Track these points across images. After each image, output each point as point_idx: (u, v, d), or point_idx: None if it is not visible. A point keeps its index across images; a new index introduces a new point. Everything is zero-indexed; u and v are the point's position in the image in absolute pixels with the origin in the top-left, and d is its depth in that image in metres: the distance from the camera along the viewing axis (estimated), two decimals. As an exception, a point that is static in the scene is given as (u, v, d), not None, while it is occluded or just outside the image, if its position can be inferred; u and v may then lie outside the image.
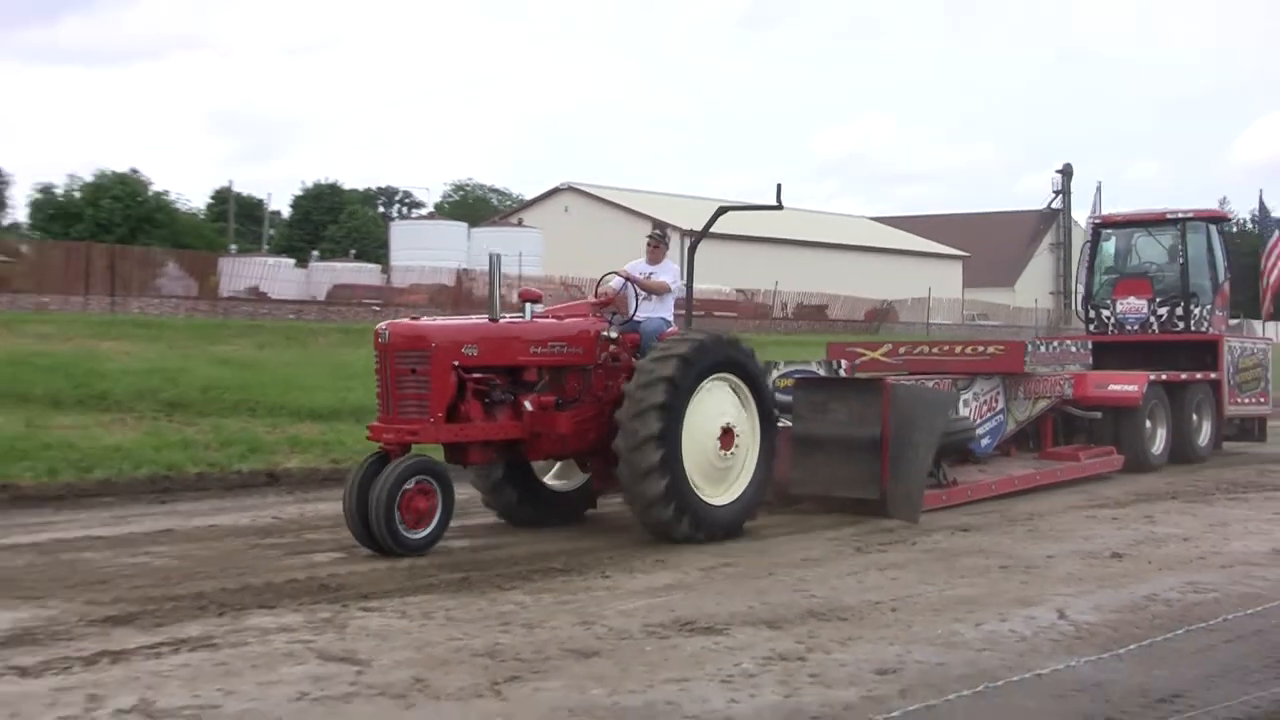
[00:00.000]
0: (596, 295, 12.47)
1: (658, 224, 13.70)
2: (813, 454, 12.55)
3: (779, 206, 14.03)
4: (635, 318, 12.21)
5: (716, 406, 11.44)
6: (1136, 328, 20.49)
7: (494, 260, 11.12)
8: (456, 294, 45.90)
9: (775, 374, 13.79)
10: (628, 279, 12.43)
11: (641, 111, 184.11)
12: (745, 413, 11.74)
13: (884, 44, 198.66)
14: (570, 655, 7.18)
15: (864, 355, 16.25)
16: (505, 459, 11.65)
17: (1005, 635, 7.86)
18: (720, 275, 59.44)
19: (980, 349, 15.81)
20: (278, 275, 49.10)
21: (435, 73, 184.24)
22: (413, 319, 11.45)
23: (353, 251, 70.05)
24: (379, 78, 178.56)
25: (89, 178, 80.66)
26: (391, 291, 48.22)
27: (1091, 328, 21.07)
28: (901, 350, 16.42)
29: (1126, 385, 17.57)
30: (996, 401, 15.49)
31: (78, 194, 79.61)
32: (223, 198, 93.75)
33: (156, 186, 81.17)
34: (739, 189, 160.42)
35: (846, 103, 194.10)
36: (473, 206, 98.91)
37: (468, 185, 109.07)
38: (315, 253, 67.04)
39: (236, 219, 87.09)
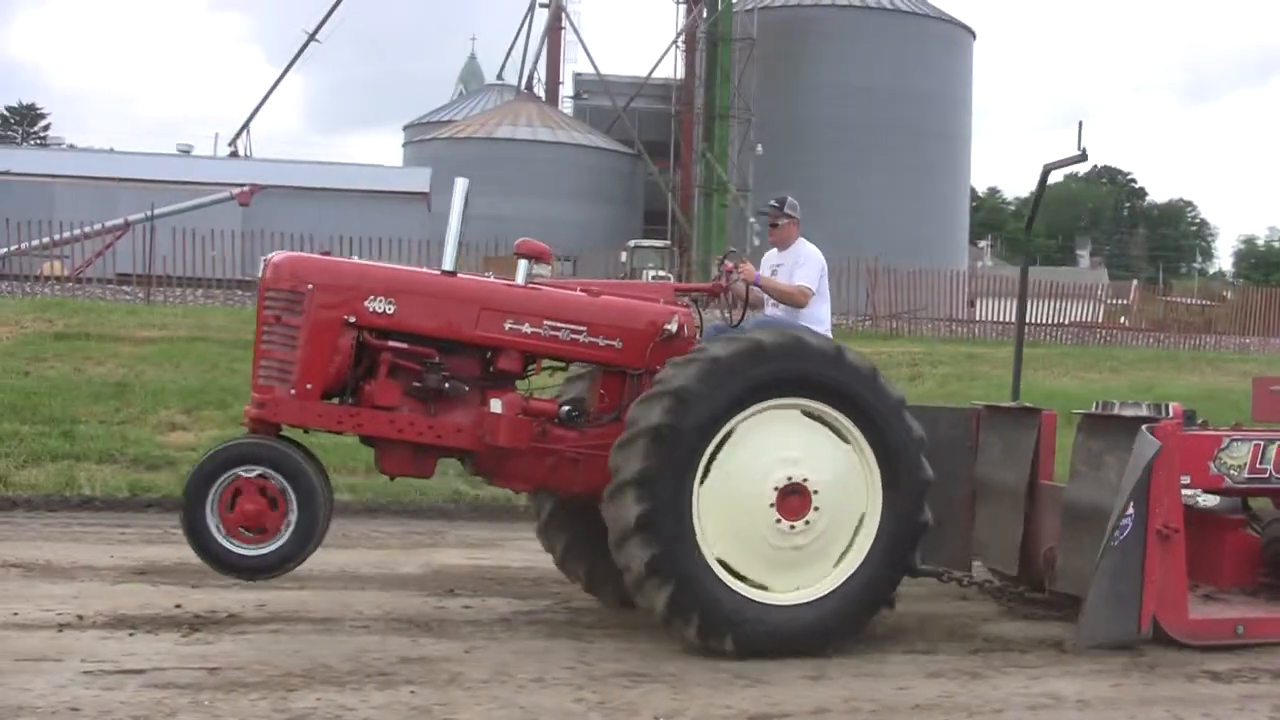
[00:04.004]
0: (715, 279, 7.94)
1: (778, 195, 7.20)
2: (1080, 532, 7.22)
3: (1083, 155, 9.39)
4: (761, 316, 7.79)
5: (775, 451, 6.75)
6: None
7: (460, 188, 7.14)
8: None
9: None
10: (752, 281, 7.68)
11: None
12: (842, 462, 6.88)
13: None
14: None
15: None
16: (489, 478, 7.32)
17: None
18: None
19: None
20: None
21: None
22: (324, 253, 7.54)
23: None
24: None
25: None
26: None
27: None
28: None
29: None
30: None
31: (1277, 244, 79.75)
32: None
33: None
34: None
35: None
36: None
37: None
38: None
39: None
